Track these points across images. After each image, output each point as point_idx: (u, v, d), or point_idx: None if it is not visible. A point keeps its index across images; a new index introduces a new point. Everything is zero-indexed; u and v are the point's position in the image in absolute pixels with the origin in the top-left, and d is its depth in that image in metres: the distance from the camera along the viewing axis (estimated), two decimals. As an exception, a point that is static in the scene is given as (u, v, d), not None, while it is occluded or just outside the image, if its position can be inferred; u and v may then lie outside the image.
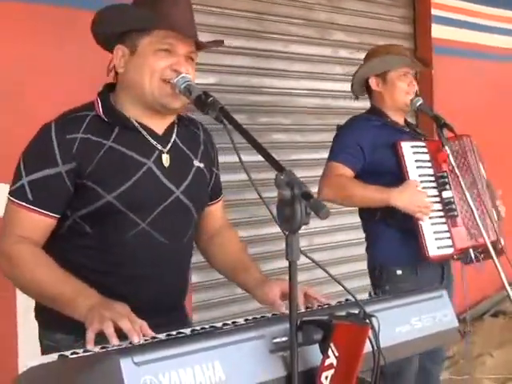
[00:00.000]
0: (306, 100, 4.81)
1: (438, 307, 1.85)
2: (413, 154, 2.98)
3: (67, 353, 1.45)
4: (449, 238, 2.96)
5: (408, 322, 1.74)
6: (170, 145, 1.93)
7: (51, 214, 1.82)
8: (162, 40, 1.82)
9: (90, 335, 1.54)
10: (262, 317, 1.74)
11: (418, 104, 3.07)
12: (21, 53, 3.24)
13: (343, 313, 1.50)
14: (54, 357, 1.44)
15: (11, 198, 1.82)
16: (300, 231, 1.40)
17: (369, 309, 1.51)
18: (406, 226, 2.94)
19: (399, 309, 1.76)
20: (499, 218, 3.15)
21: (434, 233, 2.93)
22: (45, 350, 1.90)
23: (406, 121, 3.23)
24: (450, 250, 2.96)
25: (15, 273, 1.80)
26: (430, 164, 3.01)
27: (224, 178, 2.22)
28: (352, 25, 5.11)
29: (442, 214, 2.98)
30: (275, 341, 1.44)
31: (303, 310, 1.81)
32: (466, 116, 5.23)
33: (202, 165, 2.02)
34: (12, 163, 1.89)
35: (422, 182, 2.96)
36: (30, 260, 1.78)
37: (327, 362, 1.43)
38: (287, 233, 1.40)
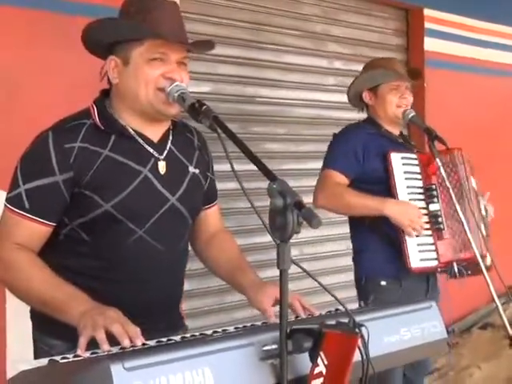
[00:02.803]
0: (299, 110, 4.83)
1: (427, 318, 1.86)
2: (402, 166, 3.00)
3: (57, 358, 1.46)
4: (434, 250, 2.97)
5: (397, 333, 1.75)
6: (165, 152, 1.95)
7: (47, 222, 1.84)
8: (154, 49, 1.83)
9: (83, 341, 1.55)
10: (253, 325, 1.75)
11: (410, 116, 3.09)
12: (18, 57, 3.24)
13: (333, 322, 1.51)
14: (44, 361, 1.45)
15: (8, 205, 1.84)
16: (291, 240, 1.41)
17: (358, 318, 1.52)
18: (392, 237, 2.97)
19: (388, 319, 1.77)
20: (486, 228, 3.13)
21: (418, 245, 2.94)
22: (38, 353, 1.92)
23: (401, 133, 3.26)
24: (434, 263, 2.98)
25: (11, 279, 1.81)
26: (419, 176, 3.03)
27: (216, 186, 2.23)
28: (347, 36, 5.14)
29: (428, 226, 2.98)
30: (265, 348, 1.44)
31: (294, 318, 1.82)
32: (458, 129, 5.26)
33: (197, 170, 2.03)
34: (7, 167, 1.89)
35: (409, 193, 2.98)
36: (26, 266, 1.79)
37: (316, 370, 1.44)
38: (278, 242, 1.41)
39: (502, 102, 6.19)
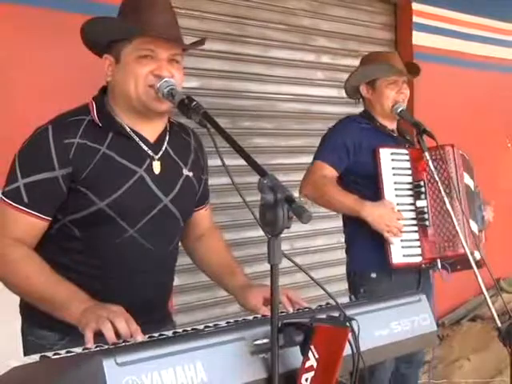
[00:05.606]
0: (287, 105, 4.83)
1: (417, 311, 1.88)
2: (391, 161, 3.01)
3: (49, 353, 1.46)
4: (418, 246, 2.99)
5: (387, 326, 1.76)
6: (161, 152, 1.95)
7: (45, 216, 1.84)
8: (141, 46, 1.84)
9: (89, 335, 1.55)
10: (244, 319, 1.76)
11: (398, 110, 3.10)
12: (9, 53, 3.23)
13: (324, 316, 1.52)
14: (35, 357, 1.45)
15: (6, 199, 1.82)
16: (282, 235, 1.41)
17: (349, 312, 1.53)
18: None
19: (379, 313, 1.78)
20: (483, 226, 3.15)
21: (402, 241, 2.96)
22: (28, 346, 1.92)
23: (398, 127, 3.25)
24: (418, 259, 2.99)
25: (8, 274, 1.81)
26: (409, 172, 3.04)
27: (207, 181, 2.23)
28: (334, 31, 5.14)
29: (414, 222, 3.01)
30: (256, 343, 1.45)
31: (285, 312, 1.83)
32: (447, 122, 5.28)
33: (190, 174, 2.03)
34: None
35: (396, 189, 3.00)
36: (24, 262, 1.79)
37: (307, 364, 1.44)
38: (269, 236, 1.41)
39: (490, 95, 6.21)
